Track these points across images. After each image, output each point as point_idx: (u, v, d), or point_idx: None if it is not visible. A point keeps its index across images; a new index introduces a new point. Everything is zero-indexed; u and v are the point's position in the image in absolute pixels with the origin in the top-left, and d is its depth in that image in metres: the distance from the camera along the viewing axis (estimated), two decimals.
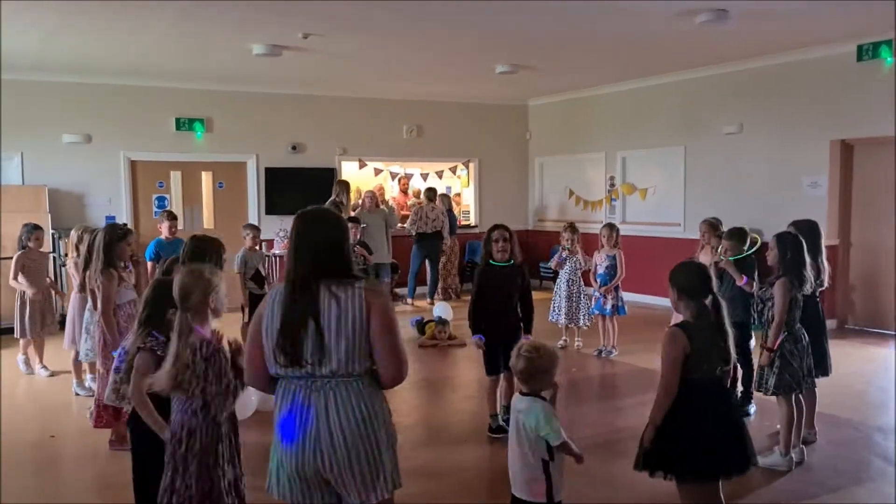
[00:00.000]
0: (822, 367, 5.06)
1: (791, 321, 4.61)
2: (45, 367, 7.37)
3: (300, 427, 2.56)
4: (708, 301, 3.42)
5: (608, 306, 7.85)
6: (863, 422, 5.64)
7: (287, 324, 2.56)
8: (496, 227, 5.51)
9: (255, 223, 10.00)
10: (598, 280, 7.91)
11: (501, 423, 5.38)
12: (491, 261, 5.37)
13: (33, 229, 7.31)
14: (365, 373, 2.60)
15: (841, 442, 5.21)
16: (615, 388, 7.14)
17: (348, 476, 2.57)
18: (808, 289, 4.69)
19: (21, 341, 7.42)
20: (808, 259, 4.67)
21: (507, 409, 5.63)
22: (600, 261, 7.92)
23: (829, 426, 5.39)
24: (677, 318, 3.96)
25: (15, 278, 7.16)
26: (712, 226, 6.73)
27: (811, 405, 5.07)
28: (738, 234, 5.83)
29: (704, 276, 3.48)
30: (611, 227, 8.05)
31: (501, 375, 5.43)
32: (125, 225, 7.16)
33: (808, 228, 5.15)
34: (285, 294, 2.61)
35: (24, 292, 7.18)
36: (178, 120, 10.91)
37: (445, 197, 12.21)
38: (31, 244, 7.25)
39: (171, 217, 7.96)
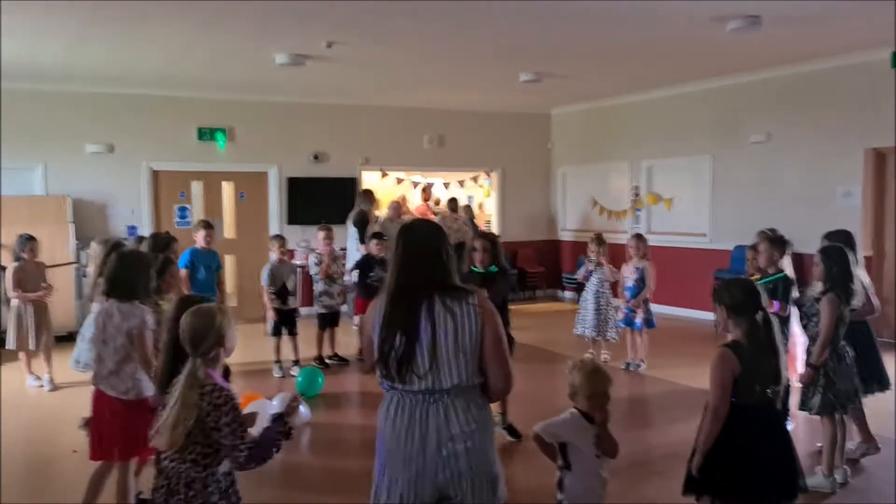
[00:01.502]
0: (881, 380, 4.89)
1: (836, 338, 4.44)
2: (51, 379, 7.29)
3: (420, 441, 2.57)
4: (759, 317, 3.27)
5: (638, 319, 7.69)
6: None
7: (386, 339, 2.58)
8: (479, 235, 5.80)
9: (279, 233, 9.96)
10: (627, 293, 7.75)
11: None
12: (472, 268, 5.46)
13: (27, 240, 7.22)
14: (478, 384, 2.64)
15: (884, 463, 5.00)
16: (645, 403, 6.97)
17: (468, 487, 2.58)
18: (856, 303, 4.52)
19: (21, 356, 7.35)
20: (855, 272, 4.50)
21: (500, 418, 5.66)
22: (629, 273, 7.75)
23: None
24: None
25: (14, 290, 7.11)
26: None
27: (861, 420, 4.89)
28: (779, 242, 5.38)
29: (753, 292, 3.33)
30: (639, 237, 7.86)
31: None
32: (167, 233, 7.05)
33: (845, 239, 4.97)
34: (386, 308, 2.63)
35: (19, 305, 7.14)
36: (200, 130, 10.90)
37: (467, 208, 12.11)
38: (25, 255, 7.17)
39: (207, 226, 7.82)
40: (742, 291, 3.32)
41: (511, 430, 5.60)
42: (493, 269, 5.46)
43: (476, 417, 2.60)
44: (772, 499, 3.22)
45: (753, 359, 3.19)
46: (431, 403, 2.58)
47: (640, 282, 7.65)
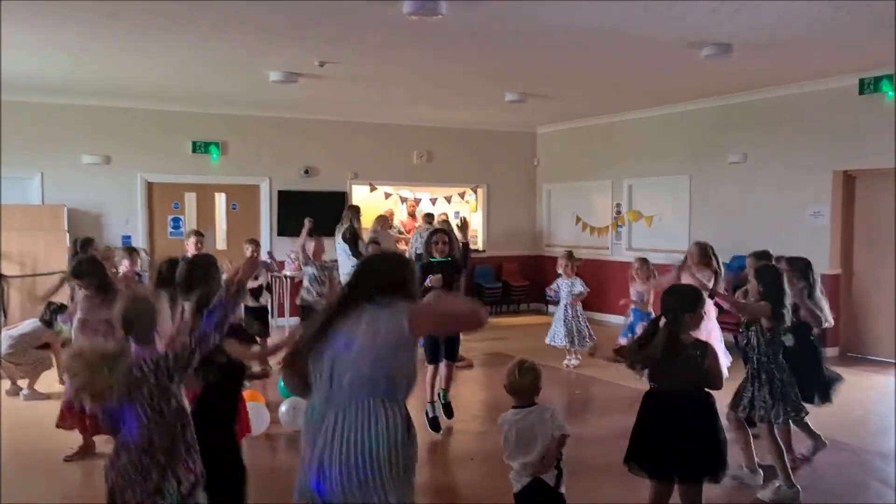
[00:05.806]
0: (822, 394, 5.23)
1: (777, 356, 4.72)
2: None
3: None
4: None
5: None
6: (862, 447, 5.73)
7: None
8: (436, 231, 6.60)
9: (269, 245, 10.48)
10: (631, 314, 8.15)
11: (435, 413, 6.06)
12: (430, 258, 6.20)
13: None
14: None
15: (839, 465, 5.32)
16: (626, 409, 7.21)
17: None
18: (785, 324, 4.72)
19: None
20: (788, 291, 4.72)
21: (442, 394, 6.21)
22: (635, 296, 8.14)
23: (828, 449, 5.44)
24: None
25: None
26: (703, 251, 6.91)
27: (804, 425, 5.20)
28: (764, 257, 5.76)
29: (676, 301, 3.85)
30: (643, 261, 8.29)
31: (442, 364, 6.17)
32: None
33: (803, 266, 5.33)
34: None
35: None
36: (194, 143, 11.17)
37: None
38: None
39: (198, 234, 8.20)
40: (671, 300, 3.87)
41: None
42: (449, 258, 6.20)
43: None
44: (688, 475, 3.78)
45: (662, 354, 3.76)
46: None
47: (639, 303, 8.08)
